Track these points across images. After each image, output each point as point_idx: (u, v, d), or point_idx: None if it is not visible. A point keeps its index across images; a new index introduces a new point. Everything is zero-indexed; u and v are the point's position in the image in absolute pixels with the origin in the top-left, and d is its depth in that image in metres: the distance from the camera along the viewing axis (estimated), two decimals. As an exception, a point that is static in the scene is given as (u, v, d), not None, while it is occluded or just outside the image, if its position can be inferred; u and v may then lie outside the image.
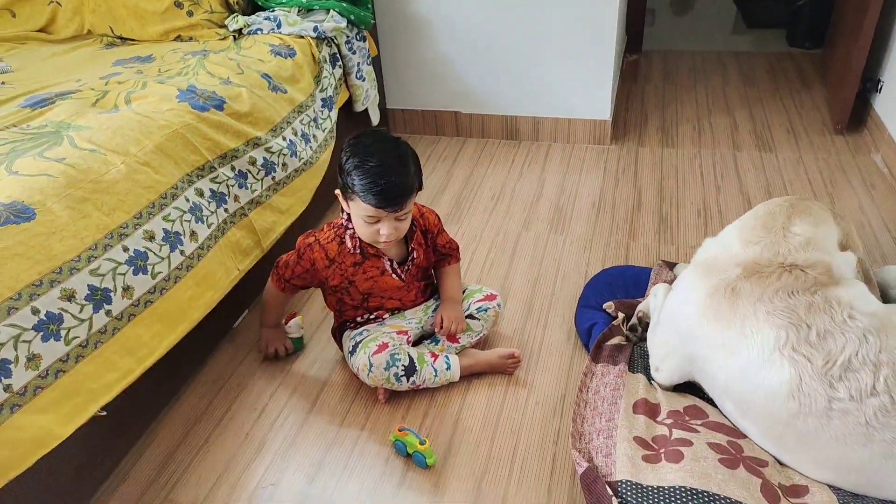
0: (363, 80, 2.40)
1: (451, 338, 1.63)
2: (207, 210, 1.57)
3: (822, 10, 3.22)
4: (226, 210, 1.64)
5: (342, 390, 1.63)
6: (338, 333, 1.66)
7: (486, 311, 1.65)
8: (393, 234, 1.42)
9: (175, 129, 1.57)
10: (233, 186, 1.68)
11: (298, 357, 1.73)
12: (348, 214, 1.50)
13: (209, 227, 1.55)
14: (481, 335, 1.67)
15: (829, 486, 1.22)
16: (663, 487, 1.19)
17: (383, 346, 1.50)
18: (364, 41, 2.41)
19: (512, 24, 2.50)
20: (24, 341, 1.12)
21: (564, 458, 1.42)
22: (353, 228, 1.49)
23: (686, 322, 1.37)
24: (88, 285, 1.25)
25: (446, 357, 1.57)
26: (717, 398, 1.37)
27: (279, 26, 2.14)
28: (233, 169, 1.68)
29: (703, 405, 1.41)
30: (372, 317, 1.59)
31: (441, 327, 1.57)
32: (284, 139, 1.87)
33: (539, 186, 2.43)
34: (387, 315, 1.60)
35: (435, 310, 1.65)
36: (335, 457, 1.46)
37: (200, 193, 1.57)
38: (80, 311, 1.23)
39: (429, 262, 1.62)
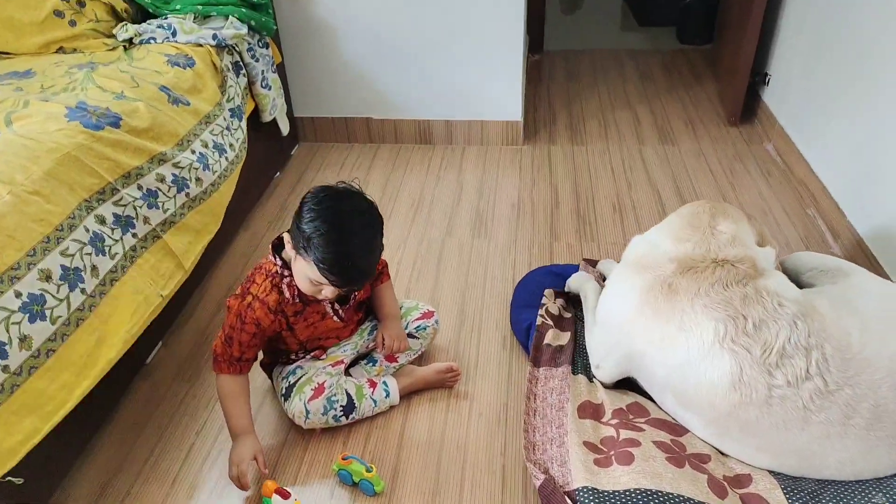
0: (269, 89, 2.28)
1: (390, 357, 1.58)
2: (111, 239, 1.43)
3: (709, 7, 3.39)
4: (134, 235, 1.50)
5: (275, 422, 1.53)
6: (268, 367, 1.55)
7: (424, 329, 1.61)
8: (331, 296, 1.33)
9: (67, 151, 1.42)
10: (140, 208, 1.54)
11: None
12: (283, 261, 1.37)
13: (112, 258, 1.41)
14: (419, 352, 1.62)
15: (770, 472, 1.27)
16: (618, 491, 1.19)
17: (319, 390, 1.42)
18: (267, 48, 2.30)
19: (419, 26, 2.46)
20: None
21: (514, 469, 1.40)
22: (289, 276, 1.36)
23: (623, 319, 1.38)
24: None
25: (384, 383, 1.51)
26: (656, 393, 1.40)
27: (174, 34, 2.00)
28: (139, 188, 1.54)
29: (644, 402, 1.43)
30: (308, 356, 1.50)
31: (383, 347, 1.50)
32: (193, 152, 1.74)
33: (458, 190, 2.41)
34: (324, 354, 1.51)
35: (371, 331, 1.58)
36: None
37: (102, 220, 1.43)
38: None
39: (367, 293, 1.55)
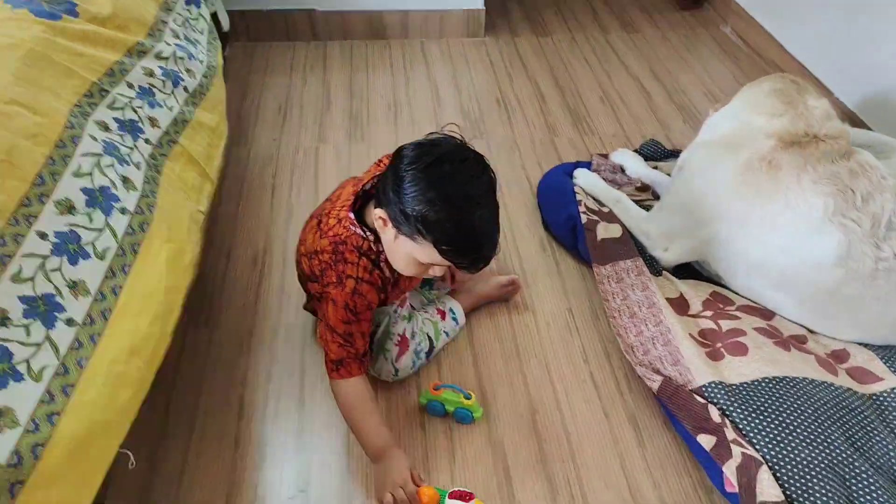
0: (209, -27, 1.89)
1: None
2: (125, 147, 1.12)
3: None
4: (146, 141, 1.18)
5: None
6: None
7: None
8: (441, 273, 1.13)
9: (29, 47, 1.08)
10: (141, 108, 1.22)
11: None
12: (372, 231, 1.11)
13: (138, 168, 1.11)
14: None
15: (860, 345, 1.30)
16: (747, 383, 1.16)
17: (404, 343, 1.24)
18: (200, -78, 1.89)
19: None
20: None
21: (602, 376, 1.34)
22: (384, 251, 1.12)
23: (711, 203, 1.32)
24: (21, 297, 0.82)
25: (451, 311, 1.36)
26: (742, 276, 1.36)
27: None
28: (130, 87, 1.22)
29: (723, 290, 1.40)
30: None
31: (453, 280, 1.34)
32: (169, 44, 1.40)
33: (433, 89, 2.20)
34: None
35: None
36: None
37: (105, 127, 1.11)
38: (28, 335, 0.81)
39: None
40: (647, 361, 1.24)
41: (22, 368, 0.80)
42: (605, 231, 1.49)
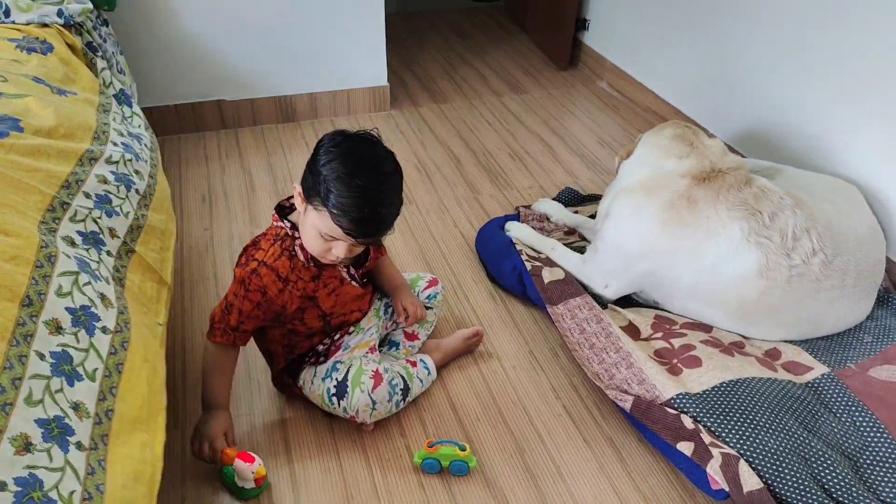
0: (124, 74, 1.90)
1: (411, 336, 1.48)
2: (93, 261, 1.10)
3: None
4: (108, 253, 1.17)
5: (313, 434, 1.35)
6: (287, 374, 1.35)
7: (435, 297, 1.53)
8: (345, 257, 1.19)
9: (-15, 168, 1.06)
10: (100, 219, 1.20)
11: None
12: (291, 223, 1.22)
13: (108, 282, 1.10)
14: (434, 323, 1.55)
15: (787, 342, 1.49)
16: (707, 390, 1.30)
17: (377, 377, 1.29)
18: (107, 26, 1.91)
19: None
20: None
21: (575, 406, 1.44)
22: (300, 238, 1.21)
23: (643, 239, 1.48)
24: (37, 421, 0.80)
25: (422, 361, 1.42)
26: (676, 300, 1.52)
27: (7, 14, 1.57)
28: (87, 196, 1.21)
29: (665, 313, 1.56)
30: (336, 337, 1.33)
31: (406, 317, 1.40)
32: (116, 144, 1.40)
33: (353, 163, 2.28)
34: (351, 330, 1.35)
35: (386, 310, 1.46)
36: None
37: (71, 242, 1.09)
38: (51, 460, 0.78)
39: (373, 262, 1.40)
40: (615, 385, 1.35)
41: (54, 495, 0.77)
42: (551, 274, 1.62)
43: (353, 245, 1.17)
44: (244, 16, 2.25)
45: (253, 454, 1.19)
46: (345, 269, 1.30)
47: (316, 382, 1.31)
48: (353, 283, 1.32)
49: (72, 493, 0.79)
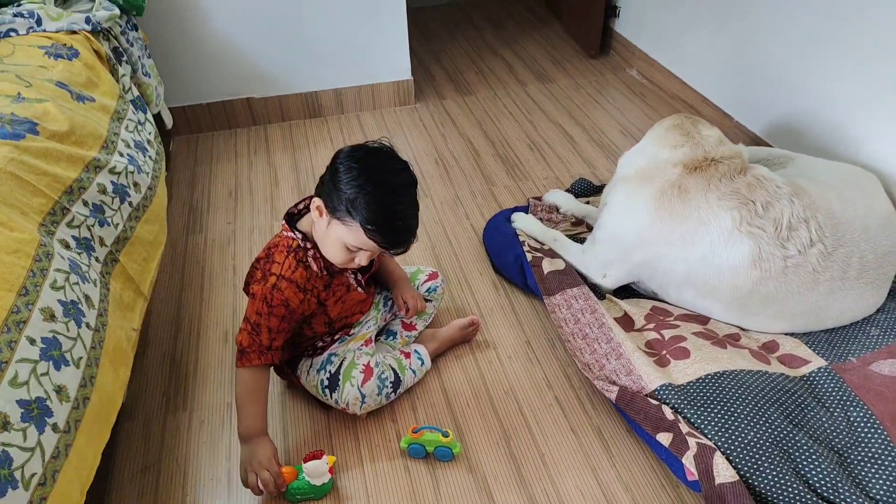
0: (149, 77, 2.01)
1: (409, 326, 1.52)
2: (84, 265, 1.19)
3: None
4: (97, 260, 1.26)
5: (309, 420, 1.42)
6: (286, 363, 1.42)
7: (435, 290, 1.57)
8: (366, 262, 1.25)
9: (1, 167, 1.16)
10: (93, 227, 1.30)
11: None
12: (302, 233, 1.27)
13: (95, 285, 1.19)
14: (433, 315, 1.59)
15: (787, 334, 1.45)
16: (692, 381, 1.29)
17: (368, 371, 1.34)
18: (137, 30, 2.02)
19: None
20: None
21: (566, 396, 1.45)
22: (312, 248, 1.26)
23: (638, 228, 1.47)
24: (18, 401, 0.88)
25: (416, 352, 1.46)
26: (672, 290, 1.51)
27: (39, 23, 1.68)
28: (86, 204, 1.30)
29: (662, 304, 1.54)
30: (336, 339, 1.39)
31: (407, 310, 1.45)
32: (122, 154, 1.50)
33: (374, 157, 2.33)
34: (352, 331, 1.41)
35: (385, 302, 1.50)
36: (352, 492, 1.28)
37: (66, 245, 1.18)
38: (24, 440, 0.86)
39: (378, 265, 1.46)
40: (604, 375, 1.36)
41: (18, 475, 0.84)
42: (551, 265, 1.62)
43: (377, 253, 1.23)
44: (270, 15, 2.33)
45: (313, 451, 1.25)
46: (352, 276, 1.35)
47: (311, 373, 1.36)
48: (359, 289, 1.37)
49: (32, 475, 0.86)
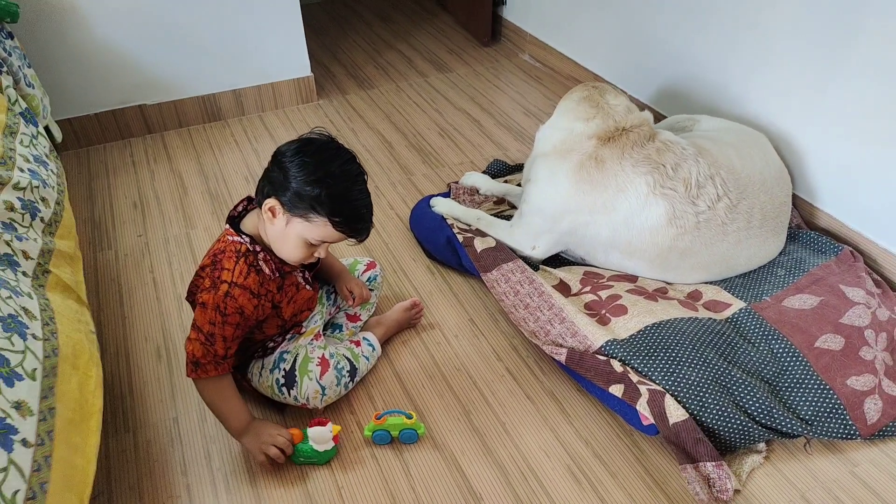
0: (33, 88, 1.86)
1: (353, 318, 1.52)
2: (12, 280, 1.10)
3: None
4: (24, 273, 1.17)
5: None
6: (234, 370, 1.37)
7: (375, 279, 1.57)
8: (325, 255, 1.26)
9: None
10: (11, 242, 1.20)
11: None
12: (250, 237, 1.22)
13: (31, 297, 1.10)
14: (375, 304, 1.59)
15: (706, 283, 1.58)
16: (634, 334, 1.38)
17: (324, 363, 1.32)
18: (12, 39, 1.86)
19: (178, -8, 2.21)
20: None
21: (517, 366, 1.50)
22: (262, 250, 1.22)
23: (562, 199, 1.54)
24: (-28, 428, 0.81)
25: (366, 339, 1.46)
26: (600, 254, 1.60)
27: None
28: (-6, 223, 1.20)
29: (592, 268, 1.63)
30: (289, 336, 1.36)
31: (353, 300, 1.45)
32: (22, 170, 1.38)
33: (284, 156, 2.29)
34: (303, 329, 1.38)
35: (328, 296, 1.49)
36: (322, 489, 1.26)
37: (-12, 264, 1.09)
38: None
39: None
40: (550, 340, 1.42)
41: (-4, 497, 0.79)
42: (482, 243, 1.67)
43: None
44: (156, 17, 2.22)
45: (318, 418, 1.28)
46: (300, 274, 1.32)
47: (264, 374, 1.33)
48: (307, 286, 1.34)
49: (16, 492, 0.80)
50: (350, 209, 1.17)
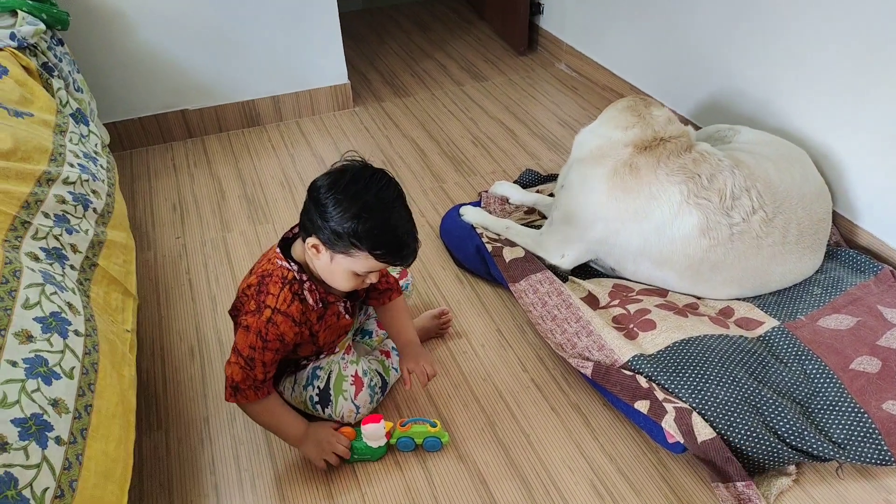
0: (82, 93, 1.93)
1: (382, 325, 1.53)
2: (57, 274, 1.14)
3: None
4: (72, 267, 1.21)
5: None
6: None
7: (406, 287, 1.58)
8: (377, 280, 1.24)
9: (-52, 189, 1.10)
10: (61, 236, 1.25)
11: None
12: (299, 265, 1.22)
13: (75, 292, 1.14)
14: (405, 310, 1.59)
15: (738, 299, 1.55)
16: (661, 350, 1.36)
17: (358, 382, 1.34)
18: (63, 45, 1.94)
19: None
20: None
21: (542, 378, 1.49)
22: (308, 280, 1.22)
23: (595, 207, 1.54)
24: (13, 421, 0.84)
25: (394, 349, 1.46)
26: (629, 263, 1.58)
27: (-40, 40, 1.59)
28: (47, 216, 1.25)
29: (622, 281, 1.62)
30: (321, 357, 1.36)
31: (410, 384, 1.35)
32: (73, 165, 1.44)
33: (320, 161, 2.33)
34: (336, 349, 1.39)
35: (360, 307, 1.49)
36: (346, 493, 1.28)
37: (35, 258, 1.14)
38: (27, 458, 0.83)
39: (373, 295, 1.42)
40: (577, 353, 1.41)
41: (28, 493, 0.82)
42: (511, 253, 1.67)
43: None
44: (199, 24, 2.28)
45: (371, 414, 1.32)
46: (342, 304, 1.31)
47: (297, 390, 1.34)
48: (347, 315, 1.33)
49: (45, 490, 0.83)
50: (390, 239, 1.13)
